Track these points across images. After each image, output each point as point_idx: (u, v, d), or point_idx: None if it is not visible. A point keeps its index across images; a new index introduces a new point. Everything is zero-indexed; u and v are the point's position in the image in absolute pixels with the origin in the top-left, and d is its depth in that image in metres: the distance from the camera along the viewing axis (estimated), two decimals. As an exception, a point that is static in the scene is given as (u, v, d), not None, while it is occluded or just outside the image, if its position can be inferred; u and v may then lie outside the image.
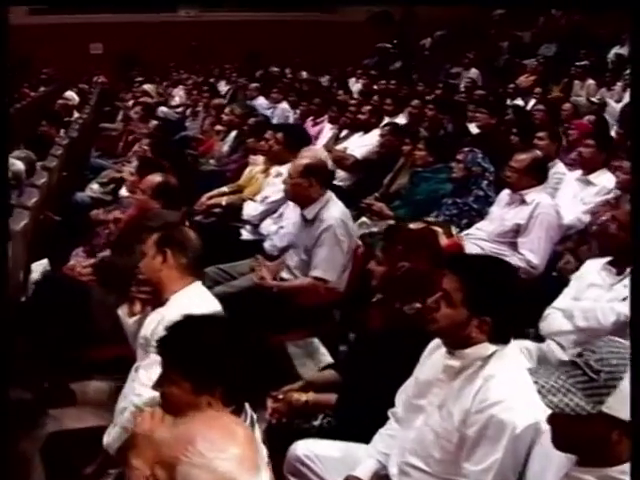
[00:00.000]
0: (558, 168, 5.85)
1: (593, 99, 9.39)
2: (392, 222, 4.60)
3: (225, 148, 7.67)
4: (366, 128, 7.22)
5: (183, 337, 2.12)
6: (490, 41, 15.71)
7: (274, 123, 6.52)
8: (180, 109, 11.10)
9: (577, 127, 7.33)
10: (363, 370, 3.03)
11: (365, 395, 2.91)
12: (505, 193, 4.94)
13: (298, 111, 9.31)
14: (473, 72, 13.81)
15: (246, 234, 5.43)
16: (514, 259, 4.52)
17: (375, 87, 11.30)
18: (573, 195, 5.46)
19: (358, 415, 2.86)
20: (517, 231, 4.63)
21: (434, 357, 2.61)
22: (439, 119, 7.74)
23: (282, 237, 4.75)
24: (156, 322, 2.84)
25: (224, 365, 2.07)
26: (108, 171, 7.37)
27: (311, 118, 8.56)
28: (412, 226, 3.65)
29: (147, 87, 10.95)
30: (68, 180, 6.68)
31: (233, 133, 7.79)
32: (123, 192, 6.36)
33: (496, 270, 2.55)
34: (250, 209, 5.34)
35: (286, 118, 9.77)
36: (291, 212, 4.92)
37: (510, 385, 2.30)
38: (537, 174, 4.75)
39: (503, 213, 4.76)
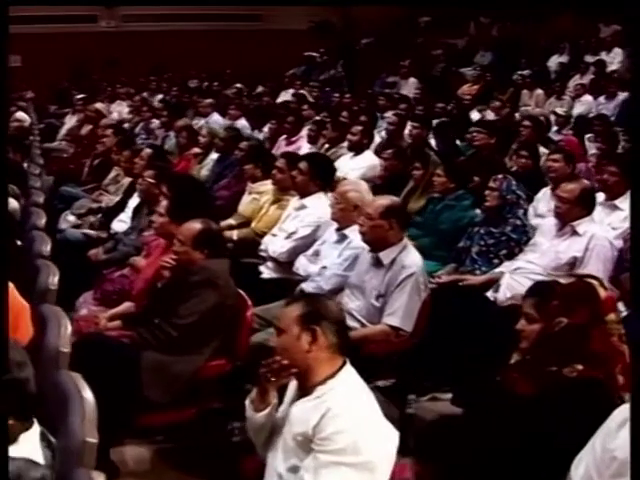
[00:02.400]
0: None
1: (559, 111, 9.43)
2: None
3: (204, 172, 7.27)
4: (357, 149, 6.95)
5: None
6: (422, 49, 15.71)
7: (289, 152, 6.13)
8: (126, 126, 10.52)
9: (567, 143, 7.33)
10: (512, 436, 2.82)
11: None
12: (550, 223, 4.81)
13: (266, 129, 8.92)
14: (412, 82, 13.72)
15: (268, 272, 5.10)
16: (573, 293, 4.39)
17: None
18: (599, 221, 5.38)
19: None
20: (573, 264, 4.50)
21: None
22: (423, 135, 7.59)
23: (329, 279, 4.44)
24: (318, 416, 2.47)
25: None
26: (83, 201, 6.87)
27: (284, 137, 8.22)
28: (563, 281, 3.43)
29: (99, 106, 10.33)
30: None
31: (213, 156, 7.40)
32: (117, 226, 5.94)
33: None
34: (276, 246, 4.99)
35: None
36: (330, 250, 4.64)
37: None
38: (587, 204, 4.65)
39: (554, 245, 4.62)
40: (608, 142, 7.47)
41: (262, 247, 5.19)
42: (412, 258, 4.06)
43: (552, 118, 9.76)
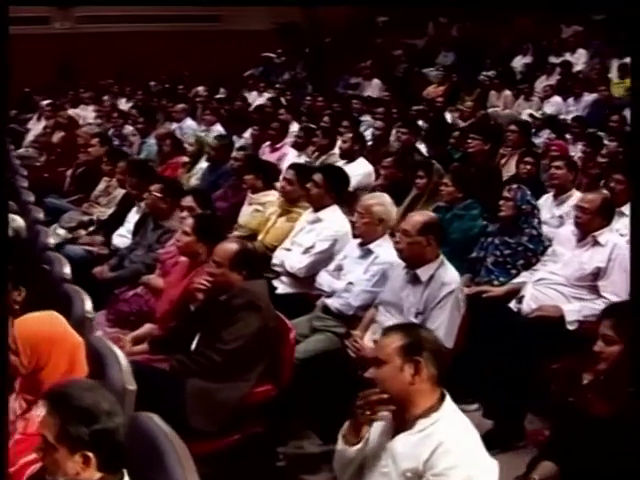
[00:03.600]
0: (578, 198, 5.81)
1: (535, 114, 9.52)
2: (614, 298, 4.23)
3: (194, 182, 7.13)
4: (349, 157, 6.88)
5: None
6: (382, 50, 15.70)
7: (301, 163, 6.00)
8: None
9: (556, 147, 7.38)
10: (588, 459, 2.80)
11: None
12: (567, 233, 4.83)
13: (247, 135, 8.78)
14: (375, 83, 13.70)
15: (283, 287, 5.01)
16: (599, 303, 4.42)
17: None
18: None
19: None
20: (596, 274, 4.51)
21: None
22: (412, 141, 7.57)
23: (357, 295, 4.38)
24: (428, 451, 2.41)
25: None
26: (71, 213, 6.65)
27: (268, 143, 8.10)
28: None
29: (72, 112, 10.04)
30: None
31: (202, 165, 7.26)
32: (117, 241, 5.78)
33: None
34: (294, 261, 4.90)
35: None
36: (354, 265, 4.57)
37: None
38: (608, 214, 4.67)
39: (576, 256, 4.62)
40: (592, 145, 7.56)
41: (275, 261, 5.09)
42: (451, 274, 4.03)
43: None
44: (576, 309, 4.44)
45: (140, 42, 15.72)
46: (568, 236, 4.79)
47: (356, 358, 3.99)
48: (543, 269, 4.74)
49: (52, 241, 4.84)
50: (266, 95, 13.34)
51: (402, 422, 2.55)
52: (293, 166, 5.60)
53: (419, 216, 4.12)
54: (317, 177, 5.07)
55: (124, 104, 12.48)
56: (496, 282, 4.93)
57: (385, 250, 4.46)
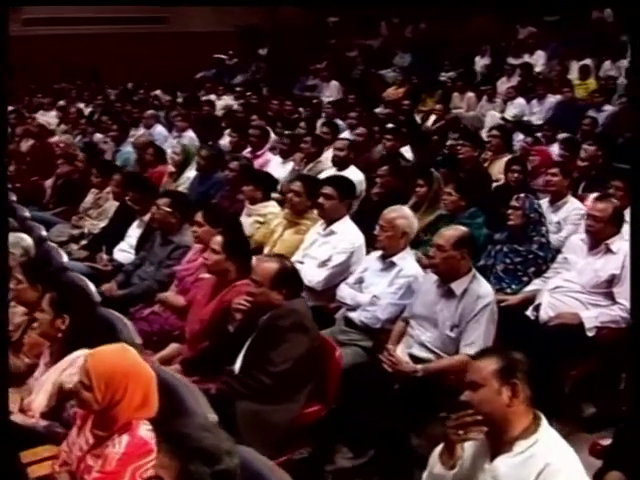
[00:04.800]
0: (574, 204, 5.95)
1: (506, 116, 9.68)
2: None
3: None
4: (342, 165, 6.88)
5: None
6: (336, 51, 15.71)
7: (304, 174, 5.96)
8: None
9: (538, 153, 7.53)
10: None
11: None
12: (579, 241, 4.92)
13: (224, 142, 8.69)
14: (333, 84, 13.71)
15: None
16: (615, 309, 4.54)
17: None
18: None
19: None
20: (611, 281, 4.62)
21: None
22: (397, 147, 7.62)
23: (385, 308, 4.40)
24: (534, 472, 2.44)
25: None
26: (60, 226, 6.52)
27: (249, 150, 8.04)
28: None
29: (43, 120, 9.76)
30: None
31: (189, 174, 7.17)
32: (119, 256, 5.67)
33: None
34: (311, 274, 4.88)
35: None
36: (376, 278, 4.59)
37: None
38: (618, 221, 4.78)
39: (590, 263, 4.72)
40: (569, 149, 7.73)
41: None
42: (485, 288, 4.09)
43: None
44: (594, 315, 4.54)
45: (88, 45, 15.45)
46: (579, 244, 4.89)
47: (392, 372, 3.99)
48: (557, 277, 4.82)
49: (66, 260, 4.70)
50: (225, 98, 13.26)
51: (498, 443, 2.59)
52: (300, 177, 5.58)
53: (452, 231, 4.16)
54: (328, 190, 5.06)
55: (83, 109, 12.22)
56: (508, 290, 5.02)
57: (409, 263, 4.50)
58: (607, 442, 3.21)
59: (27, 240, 4.72)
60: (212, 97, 13.29)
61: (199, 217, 4.75)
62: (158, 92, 13.52)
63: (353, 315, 4.51)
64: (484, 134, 9.46)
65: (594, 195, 6.44)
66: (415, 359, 4.08)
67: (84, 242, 6.21)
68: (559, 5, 12.88)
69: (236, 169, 6.33)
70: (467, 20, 14.50)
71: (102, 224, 6.33)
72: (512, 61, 12.32)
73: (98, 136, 9.61)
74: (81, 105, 12.32)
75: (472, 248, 4.15)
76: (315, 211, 5.37)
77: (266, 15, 16.18)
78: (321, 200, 5.05)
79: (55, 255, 4.72)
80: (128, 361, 2.77)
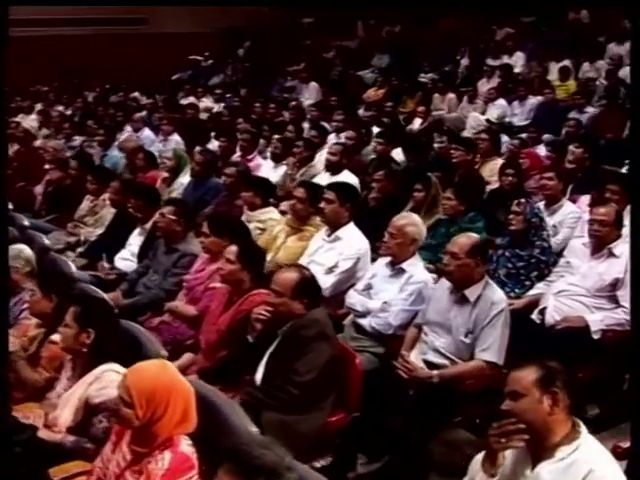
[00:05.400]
0: (570, 207, 6.05)
1: (491, 118, 9.77)
2: None
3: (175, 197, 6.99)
4: (335, 169, 6.90)
5: None
6: (313, 52, 15.71)
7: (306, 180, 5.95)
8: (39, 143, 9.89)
9: (528, 156, 7.61)
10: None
11: None
12: (579, 245, 5.01)
13: (211, 147, 8.65)
14: (312, 86, 13.71)
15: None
16: (619, 312, 4.63)
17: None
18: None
19: None
20: (614, 285, 4.71)
21: None
22: (388, 151, 7.67)
23: (396, 315, 4.44)
24: (579, 478, 2.50)
25: None
26: (55, 234, 6.46)
27: (238, 154, 8.04)
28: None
29: (27, 125, 9.65)
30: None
31: (182, 180, 7.15)
32: (121, 265, 5.65)
33: None
34: (320, 281, 4.88)
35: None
36: (385, 285, 4.63)
37: None
38: (619, 225, 4.87)
39: (593, 267, 4.80)
40: (556, 151, 7.83)
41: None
42: (499, 294, 4.16)
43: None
44: (599, 319, 4.63)
45: (64, 46, 15.29)
46: (581, 248, 4.97)
47: (408, 378, 4.03)
48: (561, 281, 4.90)
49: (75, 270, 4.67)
50: (205, 100, 13.22)
51: (539, 450, 2.66)
52: (303, 184, 5.60)
53: (465, 239, 4.22)
54: (330, 195, 5.09)
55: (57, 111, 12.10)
56: (511, 294, 5.06)
57: (419, 269, 4.56)
58: (627, 444, 3.28)
59: (27, 251, 4.67)
60: (191, 99, 13.26)
61: (205, 228, 4.74)
62: (137, 94, 13.42)
63: (364, 322, 4.54)
64: (466, 135, 9.61)
65: (586, 197, 6.65)
66: (430, 365, 4.13)
67: (81, 250, 6.15)
68: (536, 6, 13.03)
69: (233, 175, 6.33)
70: (441, 21, 14.57)
71: (98, 231, 6.30)
72: (491, 62, 12.43)
73: (77, 139, 9.52)
74: (60, 108, 12.17)
75: (485, 255, 4.20)
76: (318, 218, 5.41)
77: (245, 16, 16.10)
78: (322, 205, 5.08)
79: (63, 265, 4.68)
80: (169, 377, 2.78)
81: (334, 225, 5.10)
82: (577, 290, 4.77)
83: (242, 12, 16.22)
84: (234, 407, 2.90)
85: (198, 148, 8.20)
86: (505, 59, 12.32)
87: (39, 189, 7.70)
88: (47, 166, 7.80)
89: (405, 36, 14.82)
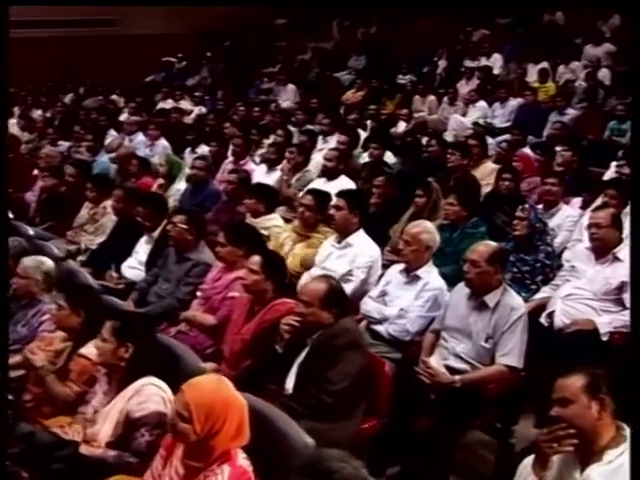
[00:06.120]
0: (567, 211, 6.19)
1: (479, 121, 9.90)
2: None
3: (171, 203, 6.99)
4: (331, 175, 6.97)
5: None
6: (289, 53, 15.73)
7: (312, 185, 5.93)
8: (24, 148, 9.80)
9: (520, 159, 7.75)
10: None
11: None
12: (585, 250, 5.13)
13: (201, 151, 8.65)
14: (290, 88, 13.75)
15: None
16: (626, 314, 4.75)
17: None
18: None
19: None
20: (621, 288, 4.84)
21: None
22: (381, 156, 7.75)
23: (414, 321, 4.52)
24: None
25: None
26: (54, 242, 6.40)
27: (231, 160, 8.06)
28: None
29: (14, 131, 9.53)
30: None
31: (178, 186, 7.15)
32: (128, 273, 5.66)
33: None
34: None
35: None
36: (400, 292, 4.71)
37: None
38: (619, 227, 5.00)
39: (599, 271, 4.92)
40: (545, 154, 7.99)
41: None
42: (517, 300, 4.27)
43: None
44: (607, 321, 4.75)
45: (32, 48, 15.11)
46: (585, 252, 5.10)
47: (430, 383, 4.11)
48: (568, 285, 5.01)
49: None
50: (183, 103, 13.16)
51: (587, 454, 2.78)
52: (311, 191, 5.65)
53: (485, 247, 4.32)
54: (339, 202, 5.17)
55: (40, 115, 12.00)
56: (518, 298, 5.18)
57: (434, 276, 4.65)
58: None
59: (48, 263, 4.67)
60: (170, 102, 13.21)
61: (221, 237, 4.78)
62: (115, 97, 13.34)
63: (380, 328, 4.61)
64: (447, 137, 9.75)
65: (577, 199, 6.81)
66: (451, 370, 4.21)
67: (82, 258, 6.13)
68: (511, 7, 13.22)
69: (234, 181, 6.36)
70: (418, 22, 14.68)
71: (99, 239, 6.28)
72: (469, 64, 12.56)
73: (64, 144, 9.45)
74: (38, 112, 12.06)
75: (503, 262, 4.31)
76: (323, 226, 5.48)
77: (218, 18, 16.06)
78: (332, 212, 5.15)
79: (81, 277, 4.68)
80: (226, 391, 2.82)
81: (345, 232, 5.17)
82: (584, 294, 4.89)
83: (216, 13, 16.15)
84: (287, 419, 2.95)
85: (194, 154, 8.27)
86: (483, 61, 12.46)
87: (30, 196, 7.64)
88: (36, 172, 7.73)
89: (381, 37, 14.89)
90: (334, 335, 3.73)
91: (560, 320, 4.86)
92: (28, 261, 4.61)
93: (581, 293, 4.91)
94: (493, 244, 4.42)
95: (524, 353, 4.18)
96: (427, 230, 4.71)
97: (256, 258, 4.25)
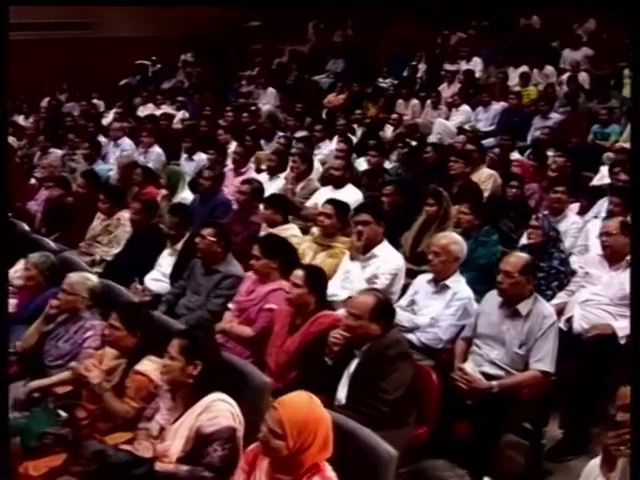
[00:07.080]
0: (572, 217, 6.43)
1: (465, 126, 10.11)
2: None
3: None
4: (337, 183, 7.10)
5: None
6: (265, 56, 15.77)
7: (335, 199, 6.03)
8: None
9: (519, 166, 7.98)
10: None
11: None
12: (598, 257, 5.35)
13: (197, 159, 8.70)
14: (270, 91, 13.81)
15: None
16: (641, 319, 5.00)
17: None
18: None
19: None
20: (635, 293, 5.07)
21: None
22: (381, 163, 7.91)
23: (446, 330, 4.71)
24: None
25: None
26: (66, 254, 6.42)
27: (231, 167, 8.15)
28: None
29: (12, 139, 9.47)
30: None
31: (183, 195, 7.22)
32: (153, 286, 5.73)
33: None
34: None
35: (163, 164, 9.14)
36: (429, 301, 4.88)
37: None
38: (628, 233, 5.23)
39: (614, 277, 5.15)
40: (538, 159, 8.22)
41: (333, 298, 5.23)
42: (549, 308, 4.50)
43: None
44: (624, 325, 4.97)
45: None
46: (598, 259, 5.33)
47: (468, 390, 4.29)
48: (584, 290, 5.24)
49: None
50: (165, 107, 13.16)
51: None
52: (331, 201, 5.77)
53: (517, 258, 4.53)
54: (366, 217, 5.30)
55: (22, 121, 11.93)
56: (534, 304, 5.39)
57: (462, 286, 4.84)
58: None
59: (93, 280, 4.72)
60: (150, 106, 13.21)
61: (256, 250, 4.89)
62: (95, 101, 13.29)
63: (411, 337, 4.77)
64: (433, 140, 9.95)
65: (575, 205, 7.03)
66: (486, 376, 4.40)
67: (98, 270, 6.18)
68: (487, 11, 13.46)
69: (247, 192, 6.45)
70: (395, 24, 14.84)
71: (114, 251, 6.34)
72: (448, 67, 12.75)
73: (57, 152, 9.43)
74: (20, 117, 11.98)
75: (533, 272, 4.50)
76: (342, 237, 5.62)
77: (192, 20, 16.04)
78: (360, 228, 5.26)
79: (122, 293, 4.75)
80: (317, 408, 2.95)
81: (372, 244, 5.30)
82: (601, 299, 5.12)
83: (191, 15, 16.14)
84: (367, 431, 3.10)
85: (190, 161, 8.33)
86: (463, 64, 12.65)
87: (33, 205, 7.65)
88: (33, 181, 7.71)
89: (358, 40, 15.01)
90: (386, 346, 3.89)
91: (579, 325, 5.08)
92: (75, 277, 4.65)
93: (598, 299, 5.13)
94: (524, 255, 4.63)
95: (555, 358, 4.38)
96: (455, 241, 4.90)
97: (300, 272, 4.38)
